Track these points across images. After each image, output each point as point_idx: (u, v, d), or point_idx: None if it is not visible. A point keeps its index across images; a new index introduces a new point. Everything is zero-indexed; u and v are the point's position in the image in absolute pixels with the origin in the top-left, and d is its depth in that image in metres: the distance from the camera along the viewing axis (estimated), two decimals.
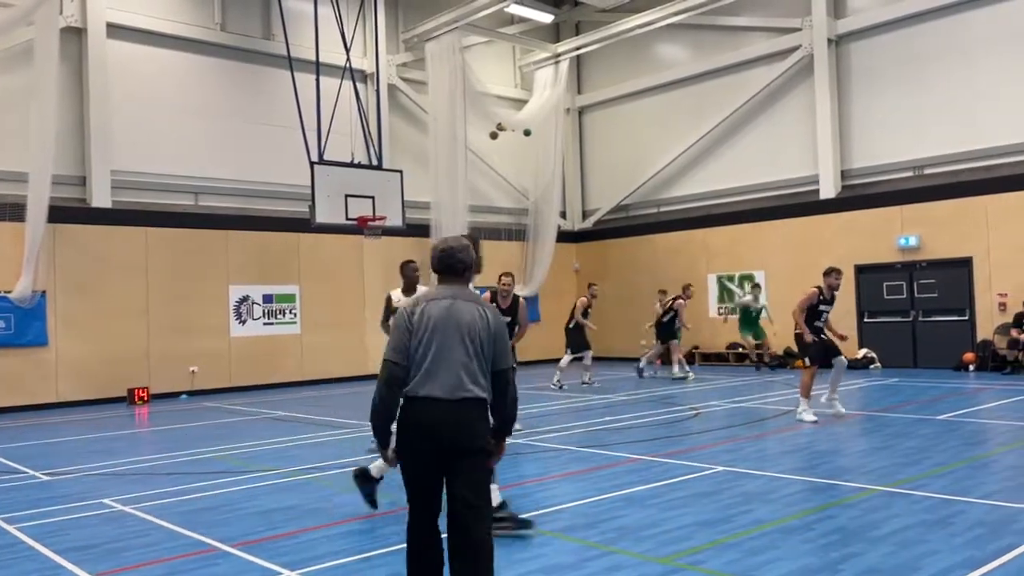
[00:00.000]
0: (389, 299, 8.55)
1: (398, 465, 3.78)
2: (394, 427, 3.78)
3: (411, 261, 8.73)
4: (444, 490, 3.73)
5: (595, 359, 15.78)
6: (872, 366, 16.58)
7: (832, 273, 10.21)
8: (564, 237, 22.22)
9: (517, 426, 9.90)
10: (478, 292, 3.91)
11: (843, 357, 10.35)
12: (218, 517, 6.23)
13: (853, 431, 9.48)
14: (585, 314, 15.41)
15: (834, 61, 17.70)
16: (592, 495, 6.51)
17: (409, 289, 8.47)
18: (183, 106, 16.66)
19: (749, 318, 17.62)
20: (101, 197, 15.39)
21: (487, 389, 3.73)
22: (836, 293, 10.32)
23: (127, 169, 15.85)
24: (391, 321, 4.07)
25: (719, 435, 9.31)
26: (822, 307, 10.16)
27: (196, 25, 16.82)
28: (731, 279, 19.34)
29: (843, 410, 10.31)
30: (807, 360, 10.18)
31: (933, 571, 4.45)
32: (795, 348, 17.41)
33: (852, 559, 4.69)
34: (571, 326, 15.53)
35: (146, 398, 15.18)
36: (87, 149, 15.43)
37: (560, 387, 14.77)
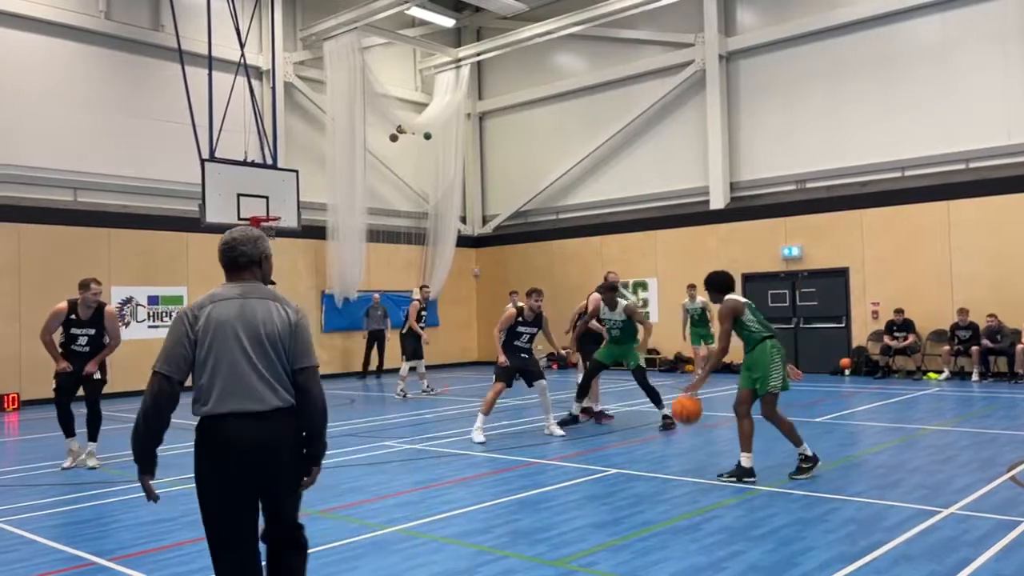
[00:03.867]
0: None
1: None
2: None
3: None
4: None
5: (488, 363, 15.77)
6: None
7: (533, 294, 9.76)
8: (464, 242, 22.24)
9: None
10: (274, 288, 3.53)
11: (543, 381, 9.82)
12: (95, 530, 5.91)
13: (738, 434, 9.81)
14: (419, 318, 14.57)
15: (725, 77, 18.40)
16: (486, 500, 6.52)
17: None
18: (63, 97, 15.78)
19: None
20: None
21: (293, 395, 3.32)
22: (543, 315, 9.88)
23: None
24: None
25: (612, 438, 9.49)
26: (521, 328, 9.68)
27: (78, 12, 15.97)
28: (625, 286, 19.77)
29: (560, 431, 9.72)
30: (495, 377, 9.75)
31: (810, 567, 4.66)
32: (687, 354, 17.93)
33: (736, 557, 4.87)
34: (404, 332, 14.71)
35: (16, 405, 14.29)
36: None
37: (404, 396, 14.24)
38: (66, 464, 8.33)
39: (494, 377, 9.79)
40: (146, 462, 3.28)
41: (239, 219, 14.27)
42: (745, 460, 6.97)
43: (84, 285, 8.28)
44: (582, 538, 5.36)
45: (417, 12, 19.77)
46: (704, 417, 10.85)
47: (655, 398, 10.08)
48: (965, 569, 4.53)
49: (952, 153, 15.62)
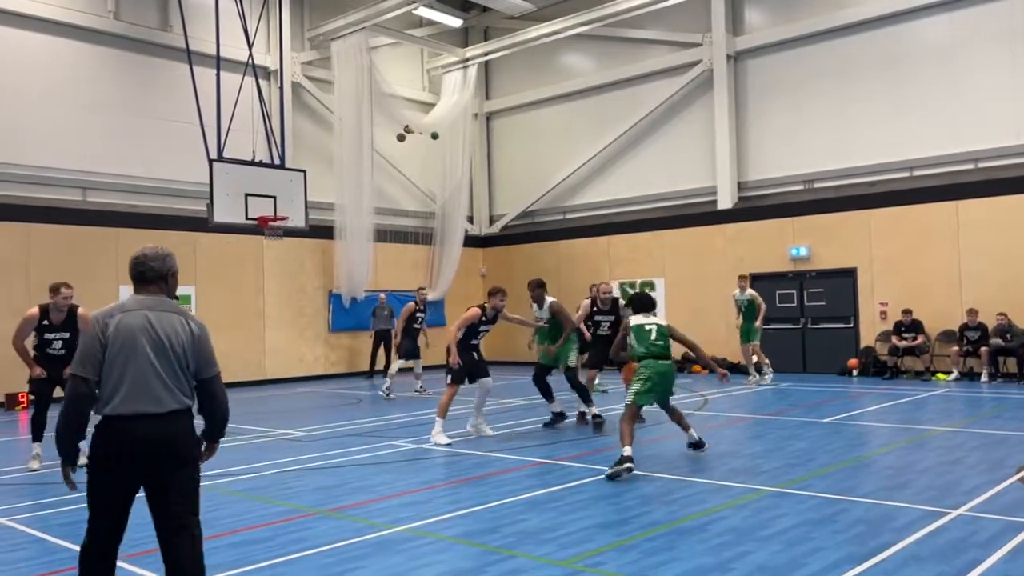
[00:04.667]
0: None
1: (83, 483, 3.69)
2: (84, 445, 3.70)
3: None
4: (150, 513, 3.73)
5: (501, 363, 15.77)
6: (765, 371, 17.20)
7: (497, 294, 9.84)
8: (471, 242, 22.24)
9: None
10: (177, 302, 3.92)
11: (489, 379, 9.87)
12: None
13: (746, 434, 9.82)
14: (413, 319, 14.54)
15: (732, 77, 18.35)
16: (493, 499, 6.52)
17: None
18: (71, 97, 15.85)
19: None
20: None
21: (192, 400, 3.74)
22: (505, 312, 9.99)
23: (7, 161, 14.95)
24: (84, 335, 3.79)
25: (617, 438, 9.44)
26: (482, 327, 9.79)
27: (87, 12, 16.03)
28: (632, 286, 19.75)
29: (490, 431, 9.84)
30: (449, 378, 9.64)
31: (818, 567, 4.64)
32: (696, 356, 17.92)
33: (744, 557, 4.85)
34: (396, 332, 15.04)
35: (26, 404, 14.35)
36: None
37: (388, 395, 14.27)
38: (35, 467, 8.28)
39: (448, 379, 9.66)
40: (68, 455, 3.69)
41: (247, 219, 14.30)
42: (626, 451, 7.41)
43: (54, 289, 8.21)
44: (589, 538, 5.35)
45: (424, 12, 19.77)
46: (709, 418, 10.97)
47: (584, 397, 10.28)
48: (974, 570, 4.51)
49: (961, 153, 15.54)
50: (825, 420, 10.46)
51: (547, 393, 10.49)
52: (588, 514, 5.98)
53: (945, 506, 5.90)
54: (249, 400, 14.85)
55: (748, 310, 15.22)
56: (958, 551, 4.86)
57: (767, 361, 15.53)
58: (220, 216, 13.97)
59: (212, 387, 3.77)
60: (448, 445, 9.13)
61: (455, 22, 21.17)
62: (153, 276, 3.80)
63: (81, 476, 3.71)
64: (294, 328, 18.63)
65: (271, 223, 14.56)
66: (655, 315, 8.22)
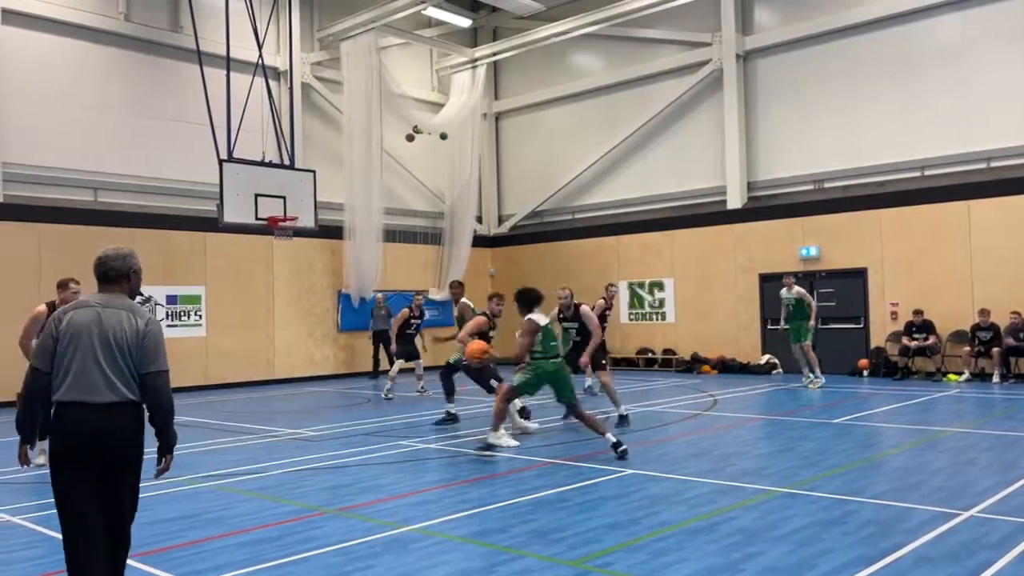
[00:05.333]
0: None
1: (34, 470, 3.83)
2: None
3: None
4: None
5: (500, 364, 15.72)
6: (774, 372, 17.16)
7: (494, 299, 10.28)
8: (480, 242, 22.25)
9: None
10: (139, 300, 4.07)
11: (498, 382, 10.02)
12: None
13: (756, 435, 9.79)
14: (407, 325, 14.62)
15: (742, 76, 18.30)
16: (502, 499, 6.52)
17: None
18: (83, 98, 15.93)
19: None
20: None
21: (137, 393, 3.79)
22: (498, 319, 10.36)
23: (19, 162, 15.04)
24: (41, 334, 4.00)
25: (628, 439, 9.43)
26: (491, 332, 10.22)
27: (99, 14, 16.12)
28: (641, 286, 19.73)
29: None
30: (494, 383, 9.90)
31: (828, 568, 4.62)
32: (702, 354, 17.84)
33: (753, 558, 4.83)
34: (395, 335, 15.12)
35: None
36: None
37: (387, 397, 14.19)
38: (41, 461, 7.93)
39: (492, 382, 10.00)
40: (26, 435, 3.97)
41: (256, 219, 14.34)
42: (492, 437, 8.26)
43: (63, 285, 7.88)
44: (598, 538, 5.34)
45: (434, 12, 19.80)
46: (719, 418, 10.93)
47: (449, 392, 10.86)
48: (986, 572, 4.48)
49: (971, 152, 15.45)
50: (835, 421, 10.41)
51: (450, 392, 10.84)
52: (597, 514, 5.97)
53: (956, 507, 5.86)
54: (258, 400, 14.89)
55: (796, 309, 14.69)
56: (970, 552, 4.83)
57: (816, 362, 14.99)
58: (230, 216, 14.01)
59: (154, 382, 3.80)
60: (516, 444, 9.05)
61: (464, 22, 21.18)
62: (115, 275, 3.97)
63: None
64: (303, 328, 18.68)
65: (281, 223, 14.60)
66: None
